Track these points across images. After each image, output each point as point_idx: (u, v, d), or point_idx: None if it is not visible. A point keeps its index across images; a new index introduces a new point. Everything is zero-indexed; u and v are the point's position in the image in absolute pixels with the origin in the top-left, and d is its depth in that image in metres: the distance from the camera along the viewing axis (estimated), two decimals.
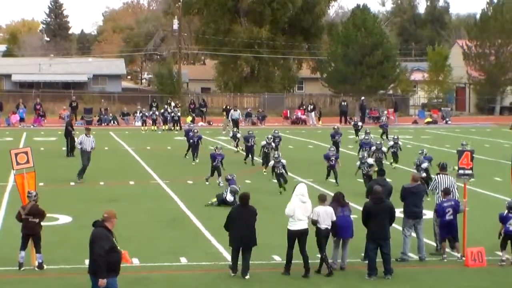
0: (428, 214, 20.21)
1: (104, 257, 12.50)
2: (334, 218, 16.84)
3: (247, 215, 16.51)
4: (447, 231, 17.96)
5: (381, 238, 16.46)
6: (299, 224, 16.45)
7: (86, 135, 30.97)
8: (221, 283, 16.12)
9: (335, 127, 38.77)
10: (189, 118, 61.64)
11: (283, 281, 16.25)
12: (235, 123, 52.24)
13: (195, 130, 36.21)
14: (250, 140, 34.93)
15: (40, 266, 16.85)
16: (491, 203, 25.59)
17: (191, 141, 35.81)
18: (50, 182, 29.15)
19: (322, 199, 17.08)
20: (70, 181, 30.03)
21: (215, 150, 29.42)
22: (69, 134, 39.29)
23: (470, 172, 18.66)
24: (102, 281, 12.49)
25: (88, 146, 30.50)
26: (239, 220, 16.43)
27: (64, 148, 42.11)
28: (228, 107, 59.58)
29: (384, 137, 44.85)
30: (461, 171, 18.71)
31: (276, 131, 36.68)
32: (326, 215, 16.74)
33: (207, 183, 28.83)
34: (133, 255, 17.92)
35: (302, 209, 16.50)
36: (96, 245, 12.56)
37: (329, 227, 16.74)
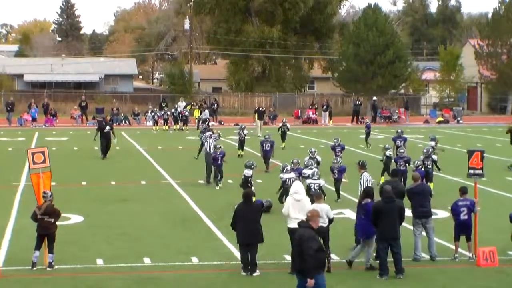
0: (440, 213, 20.18)
1: (313, 257, 12.90)
2: (331, 216, 16.91)
3: (250, 212, 16.65)
4: (461, 230, 17.91)
5: (391, 237, 16.44)
6: (295, 222, 16.37)
7: (209, 137, 30.19)
8: (232, 282, 16.14)
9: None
10: (197, 113, 61.53)
11: (294, 281, 16.22)
12: (204, 122, 50.77)
13: (218, 146, 29.48)
14: (264, 144, 32.68)
15: (50, 265, 16.90)
16: (503, 202, 25.53)
17: (217, 162, 28.86)
18: (62, 181, 29.21)
19: (317, 197, 17.17)
20: (81, 180, 30.13)
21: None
22: (105, 137, 37.20)
23: (480, 172, 18.60)
24: (311, 281, 12.89)
25: (210, 148, 29.67)
26: (243, 217, 16.59)
27: (76, 148, 42.28)
28: (260, 108, 58.45)
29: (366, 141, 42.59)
30: (471, 171, 18.65)
31: (336, 139, 32.42)
32: (323, 213, 16.76)
33: None
34: (144, 255, 18.01)
35: (296, 207, 16.53)
36: (305, 245, 12.92)
37: (324, 225, 16.71)
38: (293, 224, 16.50)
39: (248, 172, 24.50)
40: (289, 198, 16.69)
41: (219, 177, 28.72)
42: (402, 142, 33.38)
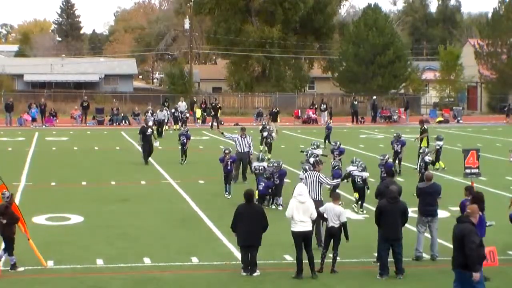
0: (440, 213, 20.12)
1: (476, 251, 12.99)
2: (344, 220, 16.85)
3: (251, 213, 16.55)
4: None
5: (394, 238, 16.42)
6: (300, 225, 16.32)
7: (241, 136, 29.43)
8: (232, 283, 16.12)
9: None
10: (199, 113, 61.53)
11: (295, 281, 16.24)
12: (160, 124, 50.24)
13: (227, 151, 26.99)
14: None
15: (12, 267, 16.76)
16: (503, 202, 25.48)
17: (226, 168, 26.73)
18: (62, 181, 29.22)
19: (335, 197, 17.12)
20: (81, 180, 30.10)
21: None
22: (147, 140, 35.46)
23: (476, 171, 18.56)
24: (477, 275, 12.99)
25: (241, 147, 28.82)
26: (244, 218, 16.51)
27: (76, 148, 42.24)
28: (274, 109, 57.80)
29: (328, 140, 41.69)
30: (467, 170, 18.62)
31: (334, 142, 30.72)
32: (334, 214, 16.72)
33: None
34: (144, 255, 18.00)
35: (301, 210, 16.33)
36: (467, 240, 12.96)
37: (336, 226, 16.73)
38: (298, 227, 16.36)
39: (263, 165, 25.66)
40: (293, 201, 16.46)
41: (229, 184, 26.49)
42: (400, 146, 32.12)
